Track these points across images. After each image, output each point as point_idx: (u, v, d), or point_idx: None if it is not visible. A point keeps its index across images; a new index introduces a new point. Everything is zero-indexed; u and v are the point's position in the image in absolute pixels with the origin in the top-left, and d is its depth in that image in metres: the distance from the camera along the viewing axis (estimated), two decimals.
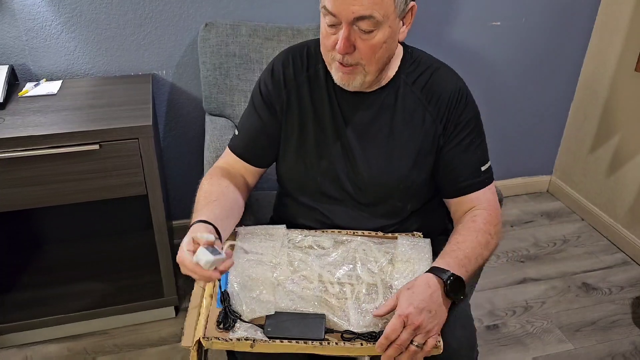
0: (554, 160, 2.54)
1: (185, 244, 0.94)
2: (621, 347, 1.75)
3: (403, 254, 1.11)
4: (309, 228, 1.21)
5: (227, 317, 0.99)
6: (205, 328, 0.99)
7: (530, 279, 2.04)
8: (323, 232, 1.18)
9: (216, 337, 0.96)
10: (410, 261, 1.09)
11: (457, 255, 1.02)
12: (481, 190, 1.13)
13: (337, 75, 1.05)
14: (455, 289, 0.98)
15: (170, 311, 1.77)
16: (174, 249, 2.05)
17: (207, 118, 1.74)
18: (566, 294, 1.97)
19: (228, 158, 1.21)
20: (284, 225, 1.17)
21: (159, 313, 1.76)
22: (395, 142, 1.12)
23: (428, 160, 1.14)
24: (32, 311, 1.66)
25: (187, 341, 0.99)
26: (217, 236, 0.99)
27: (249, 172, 1.21)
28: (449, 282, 0.97)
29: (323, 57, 1.08)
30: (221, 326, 0.98)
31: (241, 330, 0.98)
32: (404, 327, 0.92)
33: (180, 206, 2.08)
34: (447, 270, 0.98)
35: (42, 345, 1.67)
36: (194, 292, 1.09)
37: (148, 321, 1.77)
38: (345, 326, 0.99)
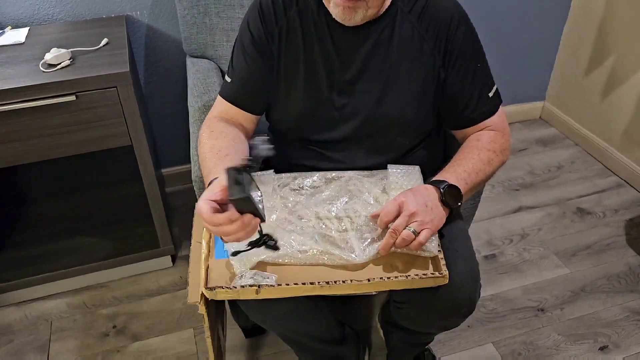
0: (547, 86, 2.49)
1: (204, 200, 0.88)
2: (616, 269, 1.77)
3: (395, 183, 1.09)
4: (304, 170, 1.17)
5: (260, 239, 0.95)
6: (207, 279, 0.97)
7: (526, 207, 2.03)
8: (311, 173, 1.15)
9: (220, 287, 0.95)
10: (403, 188, 1.07)
11: (455, 170, 1.04)
12: (490, 117, 1.10)
13: (336, 10, 0.98)
14: (452, 197, 0.99)
15: (167, 260, 1.76)
16: (166, 198, 2.03)
17: (189, 60, 1.66)
18: (561, 220, 1.98)
19: (222, 107, 1.15)
20: (272, 171, 1.13)
21: (156, 263, 1.75)
22: (393, 75, 1.07)
23: (429, 94, 1.09)
24: (28, 268, 1.64)
25: (193, 297, 0.98)
26: None
27: (246, 119, 1.16)
28: (444, 188, 0.98)
29: None
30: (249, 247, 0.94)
31: (246, 277, 0.96)
32: (399, 214, 0.94)
33: (169, 154, 2.03)
34: (444, 181, 1.00)
35: (40, 302, 1.66)
36: (191, 249, 1.06)
37: (146, 271, 1.76)
38: (350, 258, 0.97)
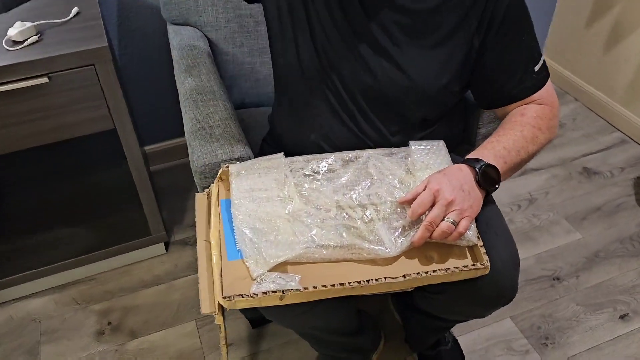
0: (545, 39, 2.37)
1: None
2: (628, 231, 1.72)
3: (420, 162, 0.98)
4: (314, 146, 1.06)
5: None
6: (222, 287, 0.86)
7: (531, 170, 1.96)
8: (326, 155, 1.03)
9: (239, 295, 0.83)
10: (430, 167, 0.96)
11: (494, 147, 0.92)
12: (536, 92, 0.97)
13: None
14: (489, 179, 0.89)
15: (160, 248, 1.64)
16: (153, 179, 1.88)
17: (170, 29, 1.48)
18: (568, 181, 1.91)
19: None
20: (282, 154, 1.01)
21: (148, 251, 1.63)
22: (415, 33, 0.93)
23: (455, 62, 0.96)
24: (8, 265, 1.50)
25: (207, 307, 0.86)
26: None
27: None
28: (481, 168, 0.87)
29: None
30: None
31: (267, 282, 0.85)
32: (434, 204, 0.84)
33: (151, 130, 1.87)
34: (480, 160, 0.89)
35: (25, 301, 1.53)
36: (198, 249, 0.94)
37: (138, 261, 1.63)
38: (381, 251, 0.87)
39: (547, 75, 0.98)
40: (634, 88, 2.02)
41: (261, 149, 1.24)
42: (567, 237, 1.70)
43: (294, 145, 1.09)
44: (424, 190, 0.86)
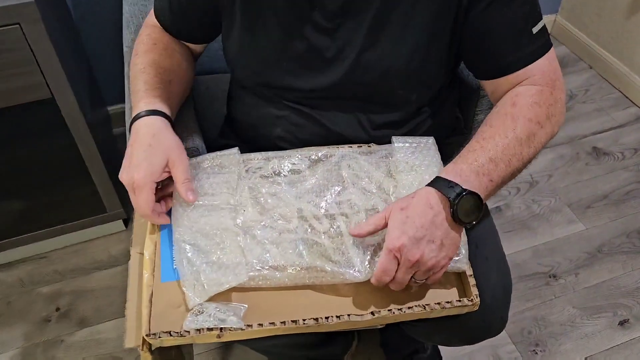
0: None
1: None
2: (636, 223, 1.56)
3: (404, 161, 0.80)
4: (278, 140, 0.88)
5: None
6: (150, 319, 0.71)
7: None
8: (290, 152, 0.85)
9: (166, 332, 0.68)
10: (415, 169, 0.80)
11: (476, 159, 0.70)
12: (534, 62, 0.76)
13: None
14: (468, 210, 0.67)
15: (118, 225, 1.48)
16: (115, 143, 1.69)
17: None
18: (575, 162, 1.73)
19: (155, 30, 0.86)
20: (237, 149, 0.83)
21: (105, 228, 1.47)
22: (391, 3, 0.74)
23: (443, 31, 0.76)
24: None
25: (132, 340, 0.71)
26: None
27: (188, 47, 0.89)
28: (457, 201, 0.66)
29: None
30: None
31: (204, 314, 0.70)
32: (398, 264, 0.67)
33: (114, 89, 1.67)
34: (456, 185, 0.67)
35: None
36: (130, 263, 0.79)
37: (93, 238, 1.48)
38: (349, 275, 0.71)
39: (549, 44, 0.77)
40: None
41: (222, 131, 1.06)
42: (568, 228, 1.54)
43: (254, 137, 0.91)
44: (383, 222, 0.69)
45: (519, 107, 0.74)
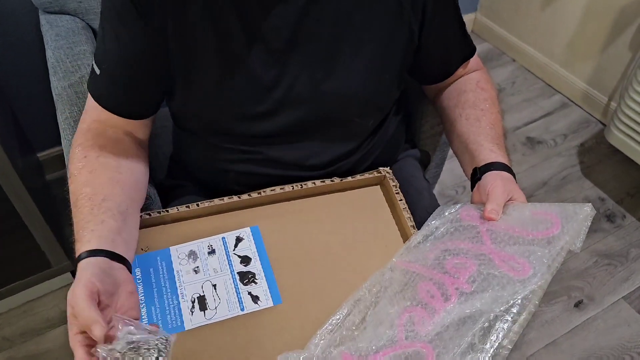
0: None
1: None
2: None
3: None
4: (232, 183, 0.86)
5: None
6: None
7: None
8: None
9: None
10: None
11: (497, 142, 0.79)
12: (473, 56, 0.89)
13: None
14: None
15: (66, 277, 1.41)
16: (51, 191, 1.60)
17: (43, 18, 1.20)
18: (512, 154, 1.80)
19: (97, 113, 0.77)
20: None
21: (54, 283, 1.39)
22: (344, 32, 0.74)
23: (397, 52, 0.78)
24: None
25: None
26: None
27: (136, 126, 0.79)
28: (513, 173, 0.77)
29: None
30: None
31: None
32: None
33: (42, 134, 1.59)
34: (503, 164, 0.76)
35: None
36: None
37: (41, 295, 1.40)
38: None
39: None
40: (572, 48, 1.92)
41: (170, 171, 1.02)
42: None
43: (205, 180, 0.88)
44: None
45: (488, 90, 0.86)
